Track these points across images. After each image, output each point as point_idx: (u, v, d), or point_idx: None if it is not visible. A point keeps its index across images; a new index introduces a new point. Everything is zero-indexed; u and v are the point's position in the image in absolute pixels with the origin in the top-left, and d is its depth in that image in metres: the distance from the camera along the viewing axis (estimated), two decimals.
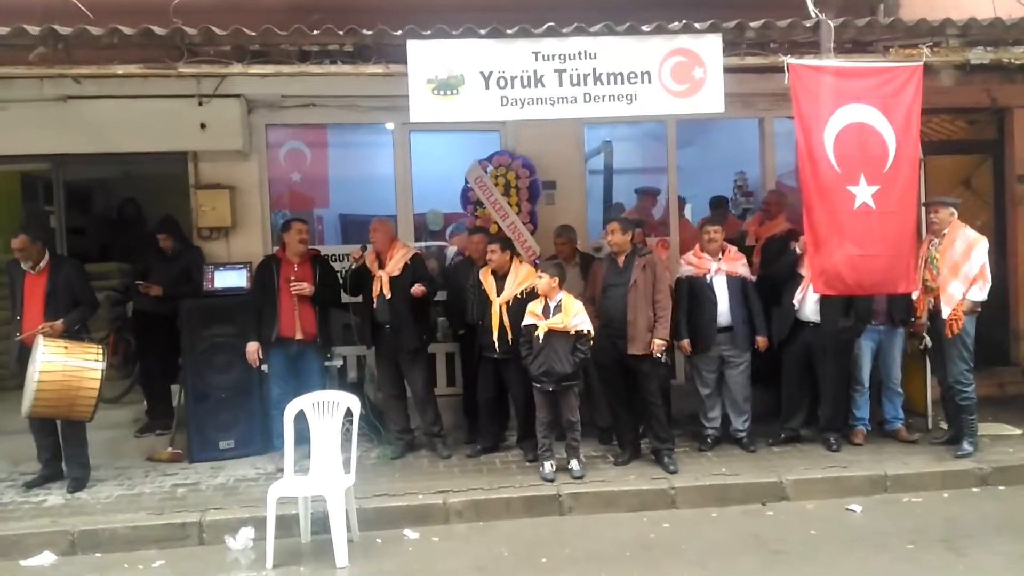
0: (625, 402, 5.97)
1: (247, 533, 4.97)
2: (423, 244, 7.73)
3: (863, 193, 5.55)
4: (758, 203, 8.00)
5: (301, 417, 4.90)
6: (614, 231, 5.85)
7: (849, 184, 5.55)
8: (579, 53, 5.34)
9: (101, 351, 5.62)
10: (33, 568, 4.77)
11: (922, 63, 5.63)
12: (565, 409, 5.69)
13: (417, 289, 6.05)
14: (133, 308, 7.04)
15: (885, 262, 5.63)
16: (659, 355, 5.76)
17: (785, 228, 6.85)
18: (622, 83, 5.37)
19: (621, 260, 5.88)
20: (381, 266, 6.21)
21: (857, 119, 5.56)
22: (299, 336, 6.12)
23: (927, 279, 5.98)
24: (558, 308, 5.63)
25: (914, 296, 6.01)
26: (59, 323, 5.58)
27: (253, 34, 5.15)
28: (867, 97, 5.56)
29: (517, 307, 5.88)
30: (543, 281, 5.65)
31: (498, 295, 5.97)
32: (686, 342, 6.14)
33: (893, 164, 5.58)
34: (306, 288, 6.11)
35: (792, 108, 5.58)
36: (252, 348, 6.10)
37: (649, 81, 5.39)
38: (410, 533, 5.10)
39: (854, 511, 5.30)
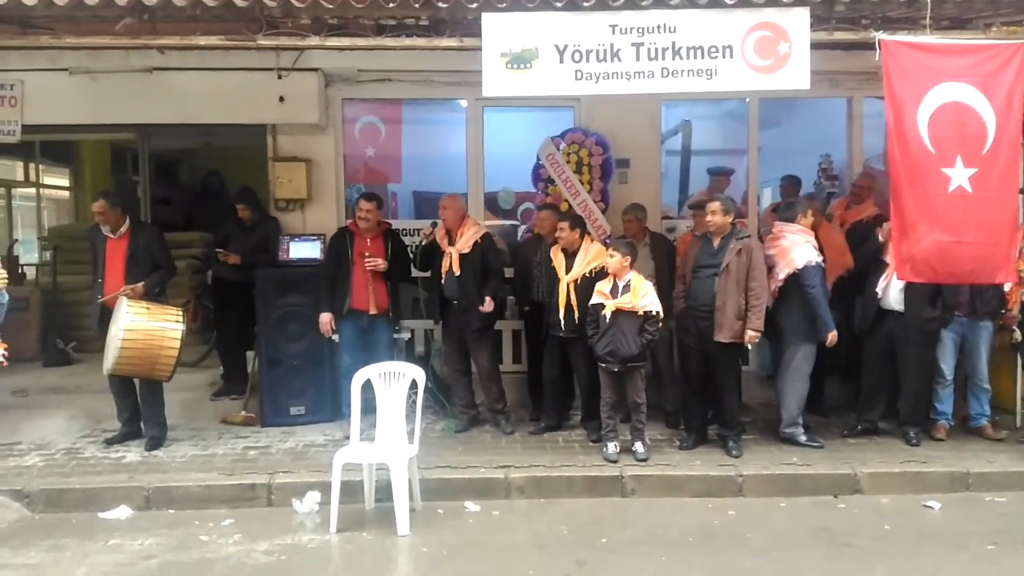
0: (699, 386, 5.85)
1: (313, 497, 5.07)
2: (493, 223, 7.71)
3: (959, 176, 5.26)
4: (843, 187, 7.70)
5: (369, 387, 4.95)
6: (715, 212, 5.63)
7: (944, 166, 5.27)
8: (658, 26, 5.20)
9: (181, 314, 5.81)
10: (109, 520, 4.96)
11: None
12: (630, 390, 5.61)
13: (487, 309, 6.07)
14: (212, 276, 7.24)
15: (981, 250, 5.33)
16: (749, 346, 5.60)
17: (873, 213, 6.58)
18: (702, 58, 5.22)
19: (717, 241, 5.70)
20: (451, 243, 6.22)
21: (954, 98, 5.28)
22: (372, 311, 6.21)
23: (1021, 270, 5.67)
24: (626, 288, 5.54)
25: (1006, 287, 5.70)
26: (140, 286, 5.78)
27: (331, 6, 5.17)
28: (965, 76, 5.27)
29: (585, 286, 5.80)
30: (614, 260, 5.56)
31: (567, 273, 5.91)
32: (835, 333, 5.72)
33: (992, 146, 5.28)
34: (381, 264, 6.18)
35: (882, 87, 5.34)
36: (325, 319, 6.20)
37: (731, 56, 5.21)
38: (471, 506, 5.12)
39: (932, 508, 5.08)
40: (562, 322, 5.88)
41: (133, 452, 5.82)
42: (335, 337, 6.28)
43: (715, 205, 5.68)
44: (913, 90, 5.26)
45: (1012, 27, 5.42)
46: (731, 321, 5.52)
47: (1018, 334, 5.86)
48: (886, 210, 5.84)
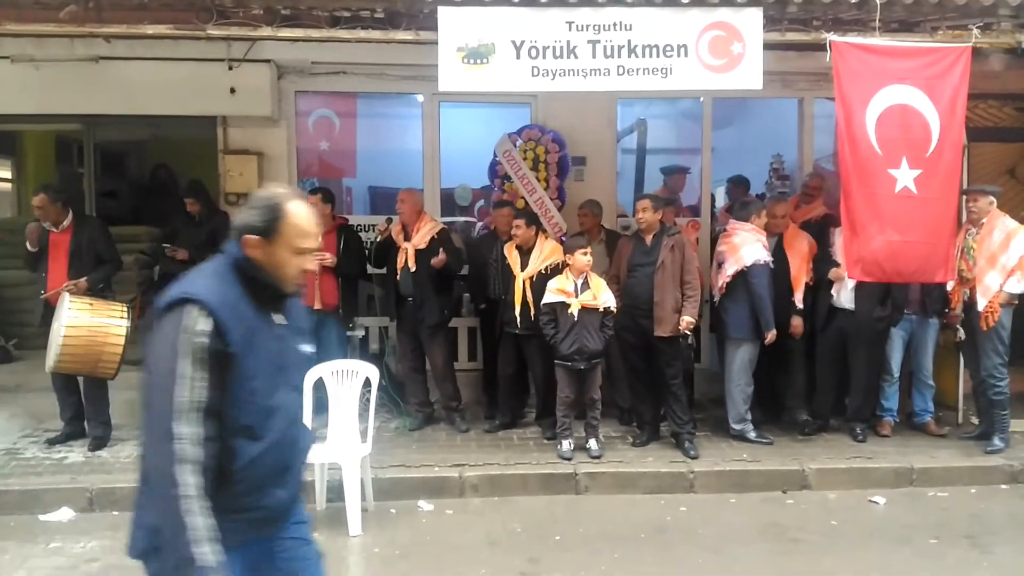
0: (646, 383, 5.90)
1: None
2: (450, 219, 7.67)
3: (905, 177, 5.39)
4: (794, 187, 7.82)
5: (321, 385, 4.88)
6: (645, 209, 5.72)
7: (890, 167, 5.39)
8: (614, 24, 5.21)
9: (126, 310, 5.65)
10: (51, 523, 4.82)
11: (970, 45, 5.43)
12: (590, 387, 5.63)
13: (438, 260, 5.97)
14: (159, 272, 7.06)
15: (924, 249, 5.47)
16: (686, 334, 5.66)
17: (822, 212, 6.68)
18: (657, 56, 5.24)
19: (649, 239, 5.77)
20: (407, 238, 6.16)
21: (900, 100, 5.40)
22: (317, 306, 6.11)
23: (963, 269, 5.80)
24: (586, 285, 5.55)
25: (949, 286, 5.84)
26: (83, 281, 5.62)
27: None
28: (911, 78, 5.39)
29: (540, 283, 5.80)
30: (587, 258, 5.55)
31: (522, 270, 5.90)
32: (773, 333, 5.79)
33: (936, 148, 5.41)
34: (328, 259, 6.08)
35: (833, 88, 5.43)
36: None
37: (685, 55, 5.25)
38: (425, 505, 5.09)
39: (877, 503, 5.19)
40: (518, 319, 5.87)
41: (76, 452, 5.66)
42: None
43: (645, 203, 5.73)
44: (862, 92, 5.35)
45: (958, 31, 5.55)
46: (670, 315, 5.59)
47: (961, 332, 6.00)
48: (835, 210, 5.95)
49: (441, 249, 6.00)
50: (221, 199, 6.97)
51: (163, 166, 9.44)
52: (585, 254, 5.56)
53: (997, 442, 5.74)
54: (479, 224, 7.93)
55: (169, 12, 5.28)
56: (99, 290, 5.76)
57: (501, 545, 4.56)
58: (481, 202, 8.04)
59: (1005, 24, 5.57)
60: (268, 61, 6.69)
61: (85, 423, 5.87)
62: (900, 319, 6.03)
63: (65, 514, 4.90)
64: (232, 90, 6.61)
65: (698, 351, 7.02)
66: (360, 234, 6.69)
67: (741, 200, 6.83)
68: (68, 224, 5.77)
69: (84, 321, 5.36)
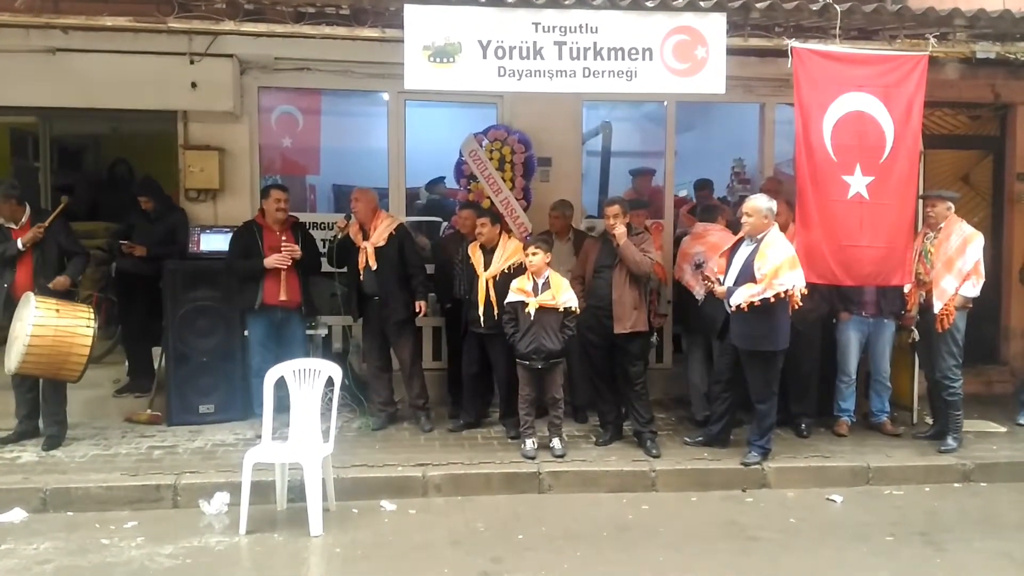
0: (609, 383, 5.92)
1: (222, 498, 4.92)
2: (413, 218, 7.65)
3: (857, 183, 5.51)
4: (755, 191, 7.92)
5: (283, 384, 4.83)
6: (616, 215, 5.67)
7: (844, 173, 5.51)
8: (580, 26, 5.24)
9: (92, 314, 5.55)
10: (2, 524, 4.70)
11: (927, 54, 5.56)
12: (550, 387, 5.65)
13: (422, 310, 6.10)
14: (117, 268, 6.94)
15: (877, 254, 5.58)
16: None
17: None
18: (623, 59, 5.29)
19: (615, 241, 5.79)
20: (365, 237, 6.12)
21: (857, 107, 5.52)
22: (283, 297, 6.09)
23: (920, 272, 5.92)
24: (546, 285, 5.57)
25: (906, 289, 5.96)
26: (64, 278, 5.63)
27: None
28: (869, 85, 5.50)
29: (504, 282, 5.80)
30: (538, 258, 5.56)
31: (485, 270, 5.89)
32: None
33: (890, 155, 5.54)
34: (297, 252, 6.06)
35: (793, 94, 5.51)
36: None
37: (650, 58, 5.30)
38: (387, 504, 5.06)
39: (834, 501, 5.28)
40: (481, 319, 5.87)
41: (30, 452, 5.53)
42: (246, 332, 6.11)
43: (615, 208, 5.70)
44: (820, 98, 5.46)
45: (915, 40, 5.67)
46: (629, 312, 5.61)
47: (916, 334, 6.13)
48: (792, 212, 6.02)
49: (422, 304, 6.11)
50: (181, 195, 6.87)
51: (122, 161, 9.27)
52: (531, 255, 5.56)
53: (951, 442, 5.87)
54: (444, 224, 7.91)
55: (129, 4, 5.18)
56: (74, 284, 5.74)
57: (464, 545, 4.55)
58: (429, 197, 8.09)
59: (960, 34, 5.71)
60: (230, 56, 6.61)
61: (40, 421, 5.74)
62: (827, 310, 6.13)
63: (17, 515, 4.78)
64: (193, 85, 6.52)
65: (660, 350, 7.09)
66: (321, 232, 6.64)
67: (705, 204, 6.93)
68: (26, 220, 5.67)
69: (51, 326, 5.26)
